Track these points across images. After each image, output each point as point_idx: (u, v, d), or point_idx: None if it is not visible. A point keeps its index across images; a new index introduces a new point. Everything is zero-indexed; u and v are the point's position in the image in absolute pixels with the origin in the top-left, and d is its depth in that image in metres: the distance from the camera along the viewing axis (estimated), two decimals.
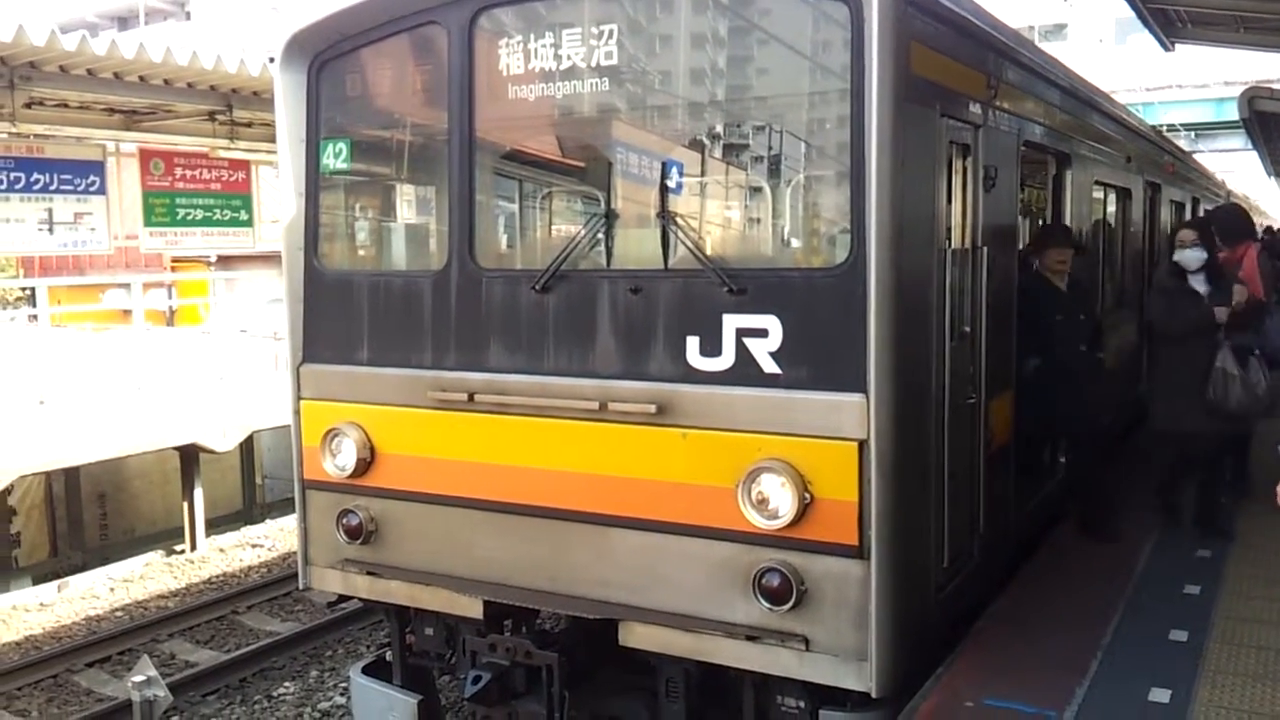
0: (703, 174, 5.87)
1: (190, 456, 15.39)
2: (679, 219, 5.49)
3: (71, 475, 16.61)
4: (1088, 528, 7.84)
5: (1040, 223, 8.37)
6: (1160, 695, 5.23)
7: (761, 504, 5.10)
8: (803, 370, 5.09)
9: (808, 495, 5.00)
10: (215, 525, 16.44)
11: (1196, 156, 23.32)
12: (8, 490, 14.62)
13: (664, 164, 5.63)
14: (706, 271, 5.30)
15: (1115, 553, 7.41)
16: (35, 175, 15.03)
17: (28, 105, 13.08)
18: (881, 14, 4.79)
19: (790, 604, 5.08)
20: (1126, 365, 10.92)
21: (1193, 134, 41.75)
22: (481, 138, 6.02)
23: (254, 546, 15.50)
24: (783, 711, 5.47)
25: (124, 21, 56.53)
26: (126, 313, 21.56)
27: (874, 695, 5.02)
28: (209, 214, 17.50)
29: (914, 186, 5.14)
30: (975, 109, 5.98)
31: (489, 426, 5.87)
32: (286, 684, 10.34)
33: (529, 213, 6.86)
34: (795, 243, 5.84)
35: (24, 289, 23.97)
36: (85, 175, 15.59)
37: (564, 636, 6.08)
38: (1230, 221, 9.11)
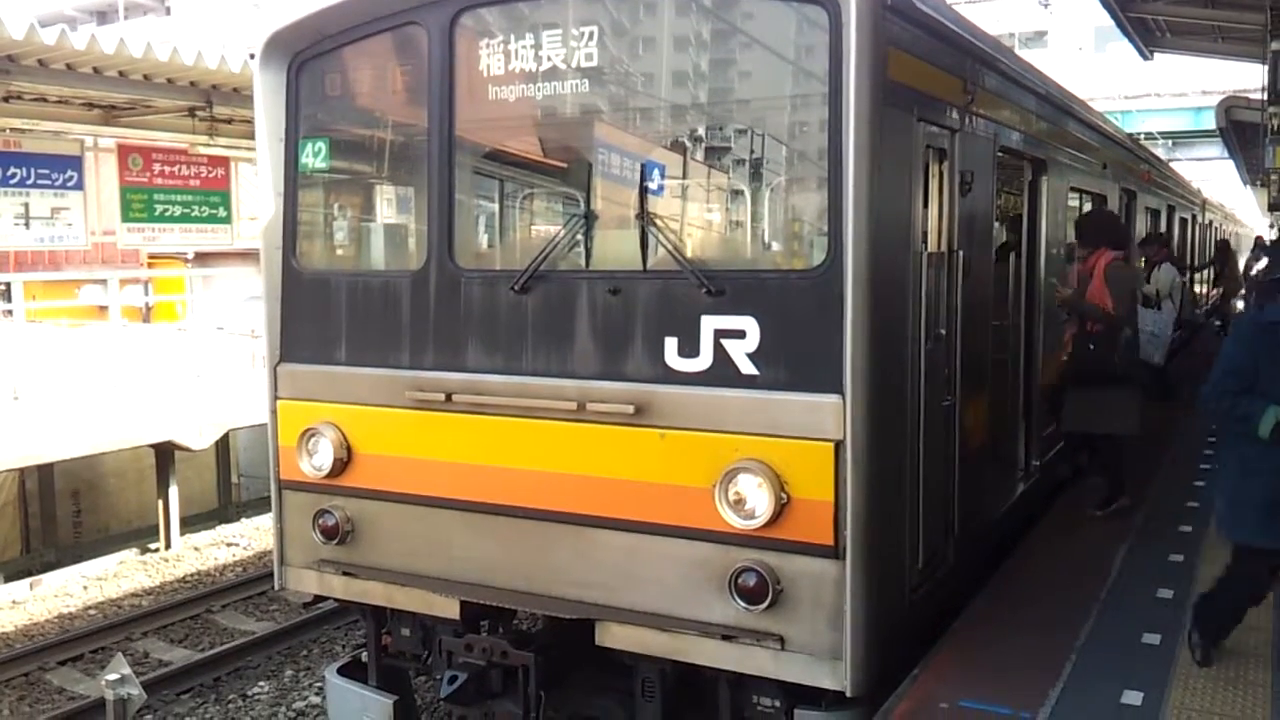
0: (682, 176, 5.89)
1: (166, 454, 15.30)
2: (658, 220, 5.51)
3: (45, 472, 16.46)
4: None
5: (1015, 228, 8.41)
6: (1133, 698, 5.28)
7: (738, 504, 5.12)
8: (780, 371, 5.11)
9: (784, 495, 5.02)
10: (190, 524, 16.35)
11: (1173, 164, 23.51)
12: None
13: (644, 166, 5.65)
14: (685, 273, 5.32)
15: (1089, 556, 7.46)
16: (12, 169, 14.95)
17: (5, 99, 13.01)
18: (860, 20, 4.82)
19: (766, 603, 5.10)
20: None
21: (1170, 142, 42.14)
22: (461, 138, 6.02)
23: (229, 545, 15.44)
24: (758, 711, 5.49)
25: (103, 15, 56.14)
26: (103, 309, 21.39)
27: (849, 694, 5.05)
28: (187, 210, 17.41)
29: (891, 190, 5.17)
30: (952, 114, 6.03)
31: (467, 427, 5.87)
32: (261, 683, 10.29)
33: (508, 213, 6.86)
34: (773, 245, 5.87)
35: None
36: (63, 170, 15.51)
37: (541, 637, 6.09)
38: (1088, 225, 8.62)
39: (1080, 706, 5.21)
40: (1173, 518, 8.44)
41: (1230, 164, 32.44)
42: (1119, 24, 13.11)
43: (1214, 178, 38.33)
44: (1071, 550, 7.62)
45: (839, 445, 4.94)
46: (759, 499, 5.07)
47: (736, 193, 5.97)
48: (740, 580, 5.15)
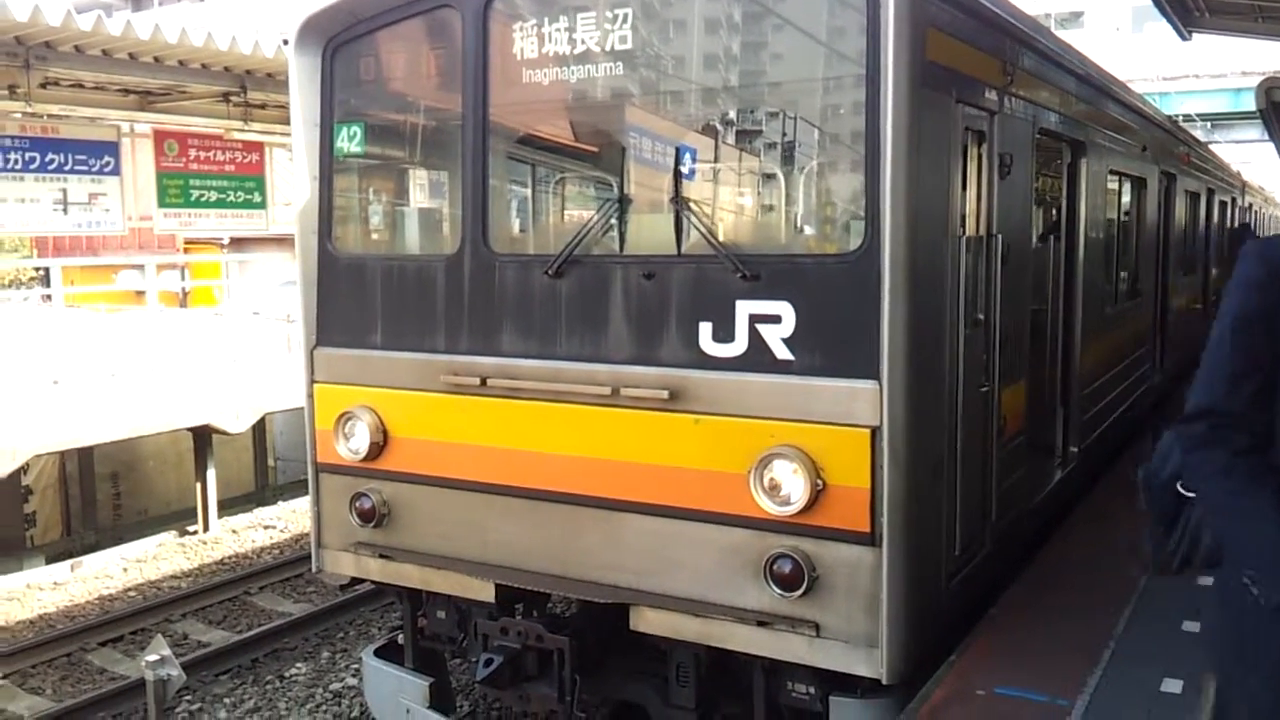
0: (716, 159, 5.85)
1: (203, 438, 15.45)
2: (692, 204, 5.48)
3: (85, 455, 16.69)
4: None
5: (1055, 211, 8.30)
6: (1172, 686, 5.22)
7: (774, 490, 5.10)
8: (816, 357, 5.08)
9: (820, 482, 5.00)
10: (228, 506, 16.52)
11: (1212, 147, 23.16)
12: (23, 470, 14.71)
13: (678, 149, 5.62)
14: (720, 257, 5.29)
15: (1128, 542, 7.38)
16: (50, 155, 15.09)
17: (43, 85, 13.14)
18: (898, 0, 4.76)
19: (801, 590, 5.08)
20: (1140, 359, 10.92)
21: (1209, 124, 41.50)
22: (495, 122, 6.02)
23: (266, 528, 15.58)
24: (793, 697, 5.48)
25: (137, 2, 56.49)
26: (140, 294, 21.59)
27: (884, 682, 5.03)
28: (223, 196, 17.54)
29: (929, 173, 5.12)
30: (991, 96, 5.95)
31: (501, 411, 5.88)
32: (298, 664, 10.39)
33: (542, 197, 6.85)
34: (809, 229, 5.82)
35: (37, 269, 24.03)
36: (100, 156, 15.65)
37: (575, 620, 6.10)
38: None
39: (1119, 694, 5.17)
40: None
41: (1271, 146, 31.92)
42: (1157, 4, 12.87)
43: (1254, 160, 37.72)
44: (1110, 536, 7.53)
45: (875, 431, 4.91)
46: (794, 485, 5.05)
47: (771, 176, 5.93)
48: (775, 566, 5.14)
